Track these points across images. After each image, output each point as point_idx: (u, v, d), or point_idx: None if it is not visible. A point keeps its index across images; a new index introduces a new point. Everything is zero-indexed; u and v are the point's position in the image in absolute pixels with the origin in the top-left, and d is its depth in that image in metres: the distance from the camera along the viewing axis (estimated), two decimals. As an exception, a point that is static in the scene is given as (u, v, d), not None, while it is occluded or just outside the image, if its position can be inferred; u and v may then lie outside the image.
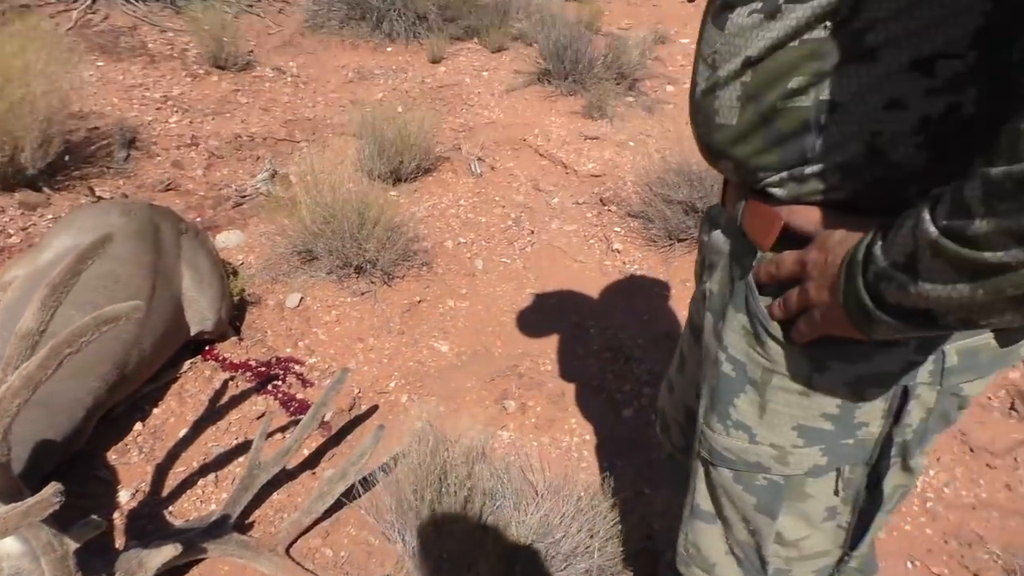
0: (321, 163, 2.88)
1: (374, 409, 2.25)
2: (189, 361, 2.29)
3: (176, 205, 2.99)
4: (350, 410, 2.22)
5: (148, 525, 1.80)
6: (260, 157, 3.56)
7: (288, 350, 2.42)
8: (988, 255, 0.55)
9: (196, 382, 2.24)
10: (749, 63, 0.79)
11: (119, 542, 1.75)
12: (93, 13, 4.62)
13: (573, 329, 2.68)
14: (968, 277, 0.57)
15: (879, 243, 0.65)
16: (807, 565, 1.02)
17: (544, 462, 2.10)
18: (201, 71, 4.33)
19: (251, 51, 4.73)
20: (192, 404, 2.16)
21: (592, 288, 2.92)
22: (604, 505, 1.78)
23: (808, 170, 0.78)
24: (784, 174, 0.81)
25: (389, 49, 5.09)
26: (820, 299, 0.76)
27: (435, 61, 4.97)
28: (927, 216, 0.59)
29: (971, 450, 2.25)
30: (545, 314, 2.77)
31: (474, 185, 3.58)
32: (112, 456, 1.97)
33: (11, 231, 2.67)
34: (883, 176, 0.74)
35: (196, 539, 1.67)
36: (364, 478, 1.83)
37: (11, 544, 1.44)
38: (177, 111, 3.84)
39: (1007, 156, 0.51)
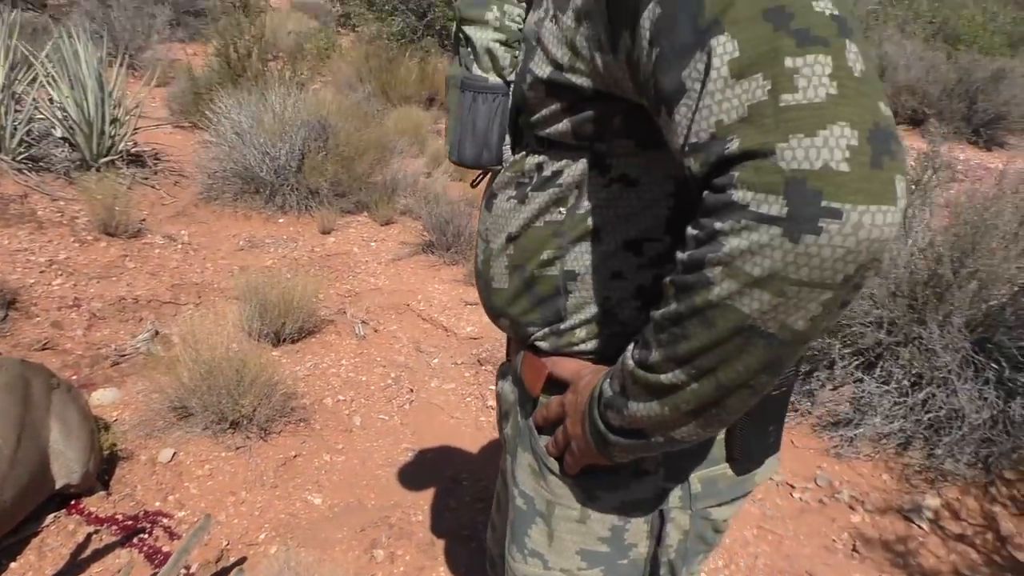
0: (203, 324, 2.97)
1: (242, 560, 2.24)
2: (53, 514, 2.25)
3: (52, 363, 2.99)
4: (217, 562, 2.22)
5: None
6: (143, 319, 3.62)
7: (157, 504, 2.41)
8: (662, 377, 0.73)
9: (59, 536, 2.20)
10: (511, 239, 0.99)
11: None
12: (-16, 181, 4.69)
13: (447, 482, 2.76)
14: (656, 396, 0.75)
15: (607, 380, 0.84)
16: None
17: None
18: (90, 237, 4.41)
19: (143, 220, 4.85)
20: (52, 558, 2.12)
21: (467, 443, 3.04)
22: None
23: (563, 326, 0.97)
24: (546, 330, 0.99)
25: (281, 220, 5.32)
26: (575, 433, 0.92)
27: (325, 232, 5.21)
28: (628, 353, 0.78)
29: (817, 590, 2.42)
30: (420, 467, 2.86)
31: (357, 346, 3.71)
32: (-42, 613, 1.90)
33: None
34: (617, 332, 0.94)
35: None
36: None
37: None
38: (61, 274, 3.88)
39: (663, 302, 0.71)
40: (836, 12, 0.60)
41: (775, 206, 0.58)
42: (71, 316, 3.50)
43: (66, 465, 2.25)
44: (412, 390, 3.39)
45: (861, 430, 3.10)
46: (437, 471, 2.83)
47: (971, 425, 2.87)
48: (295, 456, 2.78)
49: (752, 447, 1.00)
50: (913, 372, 3.08)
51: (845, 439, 3.13)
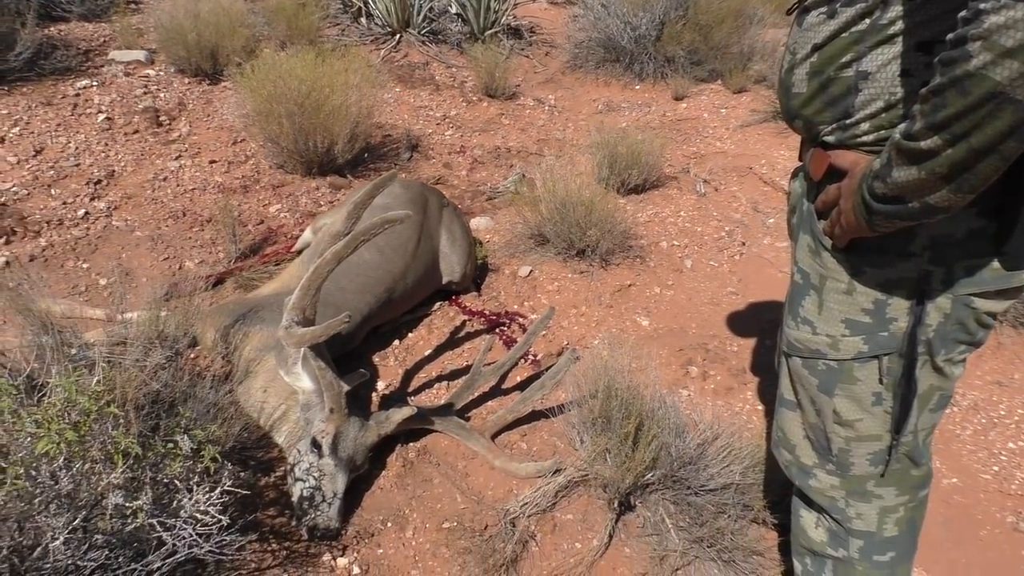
0: (561, 170, 3.43)
1: (578, 359, 2.69)
2: (439, 303, 2.90)
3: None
4: (558, 355, 2.69)
5: (394, 406, 2.38)
6: (513, 165, 4.21)
7: (515, 307, 2.96)
8: (921, 143, 0.90)
9: (442, 319, 2.83)
10: (816, 48, 1.17)
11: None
12: (396, 52, 5.60)
13: (765, 324, 2.96)
14: (915, 163, 0.92)
15: (877, 160, 1.02)
16: (863, 447, 1.30)
17: (714, 417, 2.42)
18: (475, 98, 5.12)
19: (518, 85, 5.48)
20: (437, 334, 2.75)
21: (791, 294, 3.17)
22: (752, 445, 2.08)
23: (849, 122, 1.15)
24: (834, 125, 1.17)
25: (637, 87, 5.62)
26: (846, 208, 1.11)
27: (678, 98, 5.41)
28: (896, 130, 0.96)
29: None
30: (741, 309, 3.08)
31: (696, 202, 3.95)
32: (375, 359, 2.59)
33: (322, 203, 3.48)
34: (896, 124, 1.08)
35: (427, 412, 2.21)
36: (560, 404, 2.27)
37: (306, 381, 2.05)
38: (452, 127, 4.63)
39: (933, 80, 0.87)
40: None
41: None
42: (458, 160, 4.21)
43: (450, 266, 2.85)
44: (744, 243, 3.57)
45: None
46: (757, 314, 3.03)
47: None
48: (629, 285, 3.16)
49: (1020, 241, 1.08)
50: None
51: None
